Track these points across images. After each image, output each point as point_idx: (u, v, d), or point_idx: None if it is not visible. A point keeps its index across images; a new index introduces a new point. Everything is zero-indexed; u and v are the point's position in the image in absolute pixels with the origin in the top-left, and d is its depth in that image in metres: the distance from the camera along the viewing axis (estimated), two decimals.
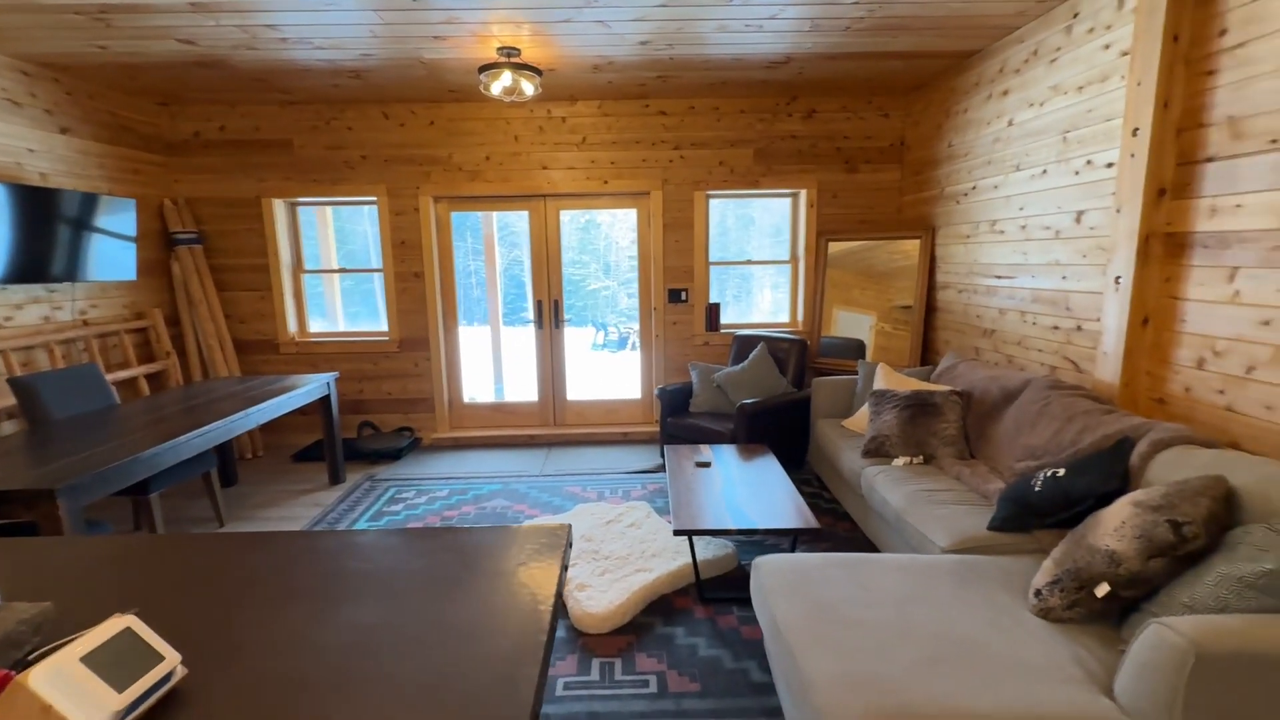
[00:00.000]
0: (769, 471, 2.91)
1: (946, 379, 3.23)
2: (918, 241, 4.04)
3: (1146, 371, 2.39)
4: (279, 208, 4.43)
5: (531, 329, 4.71)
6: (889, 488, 2.52)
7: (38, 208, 3.19)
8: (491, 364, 7.10)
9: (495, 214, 6.97)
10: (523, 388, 7.88)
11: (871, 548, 2.87)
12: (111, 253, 3.65)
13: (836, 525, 3.13)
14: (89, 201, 3.46)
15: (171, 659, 0.75)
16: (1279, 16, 1.87)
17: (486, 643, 0.87)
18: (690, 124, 4.35)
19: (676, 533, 2.30)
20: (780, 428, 3.69)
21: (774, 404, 3.61)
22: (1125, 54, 2.43)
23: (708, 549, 2.73)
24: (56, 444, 2.39)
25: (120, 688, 0.68)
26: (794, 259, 4.68)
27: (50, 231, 3.27)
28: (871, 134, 4.38)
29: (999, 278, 3.30)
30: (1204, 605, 1.33)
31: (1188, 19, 2.16)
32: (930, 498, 2.36)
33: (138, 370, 3.82)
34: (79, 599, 1.00)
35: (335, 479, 3.84)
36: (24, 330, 3.28)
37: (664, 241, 4.50)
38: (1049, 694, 1.31)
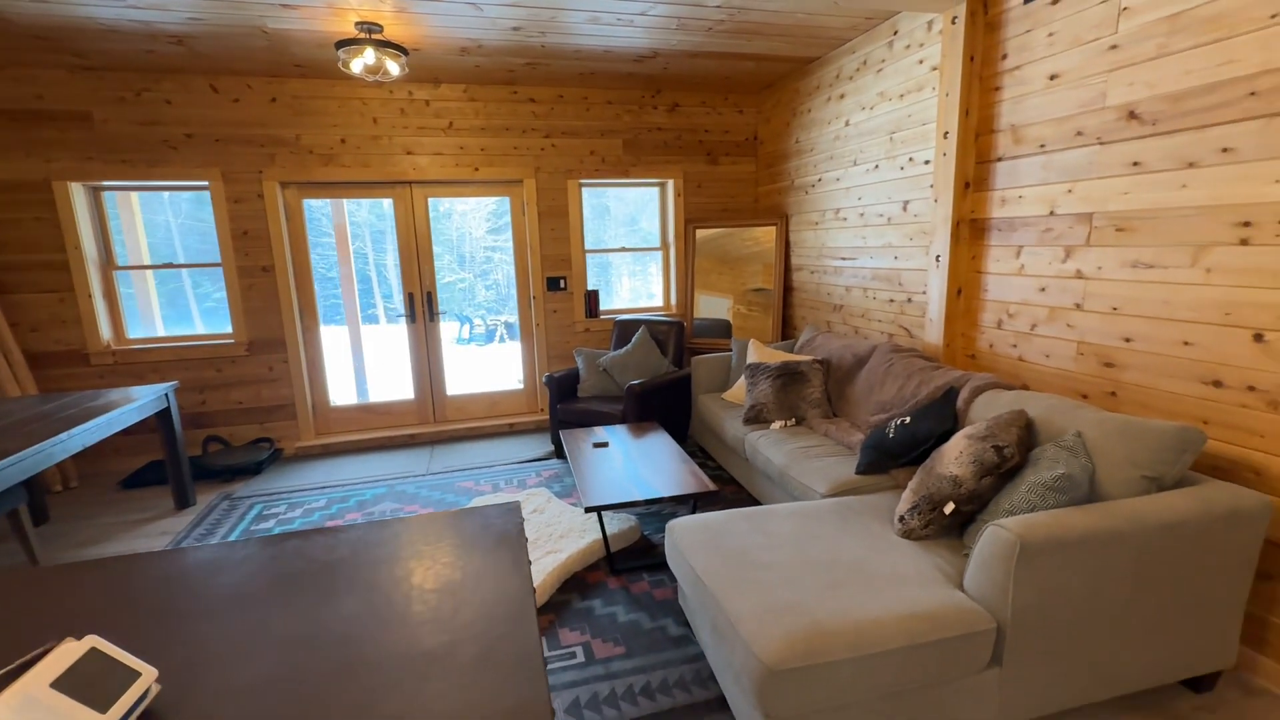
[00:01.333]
0: (662, 445, 3.09)
1: (808, 350, 3.64)
2: (770, 229, 4.46)
3: (961, 333, 2.91)
4: (77, 193, 3.74)
5: (393, 325, 4.47)
6: (771, 449, 2.82)
7: None
8: (352, 365, 6.58)
9: (346, 204, 6.46)
10: (391, 386, 7.35)
11: (756, 504, 3.18)
12: None
13: (724, 489, 3.41)
14: None
15: (148, 674, 0.69)
16: (1042, 46, 2.38)
17: (480, 609, 0.91)
18: (560, 113, 4.38)
19: (588, 509, 2.39)
20: (666, 405, 3.91)
21: (659, 383, 3.81)
22: (935, 69, 2.91)
23: (612, 523, 2.86)
24: None
25: (102, 709, 0.63)
26: (664, 245, 4.92)
27: None
28: (729, 128, 4.73)
29: (844, 259, 3.78)
30: (1020, 508, 1.71)
31: (980, 43, 2.65)
32: (806, 453, 2.68)
33: None
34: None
35: (183, 502, 3.39)
36: None
37: (540, 230, 4.50)
38: (919, 595, 1.61)
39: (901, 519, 1.96)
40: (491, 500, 3.21)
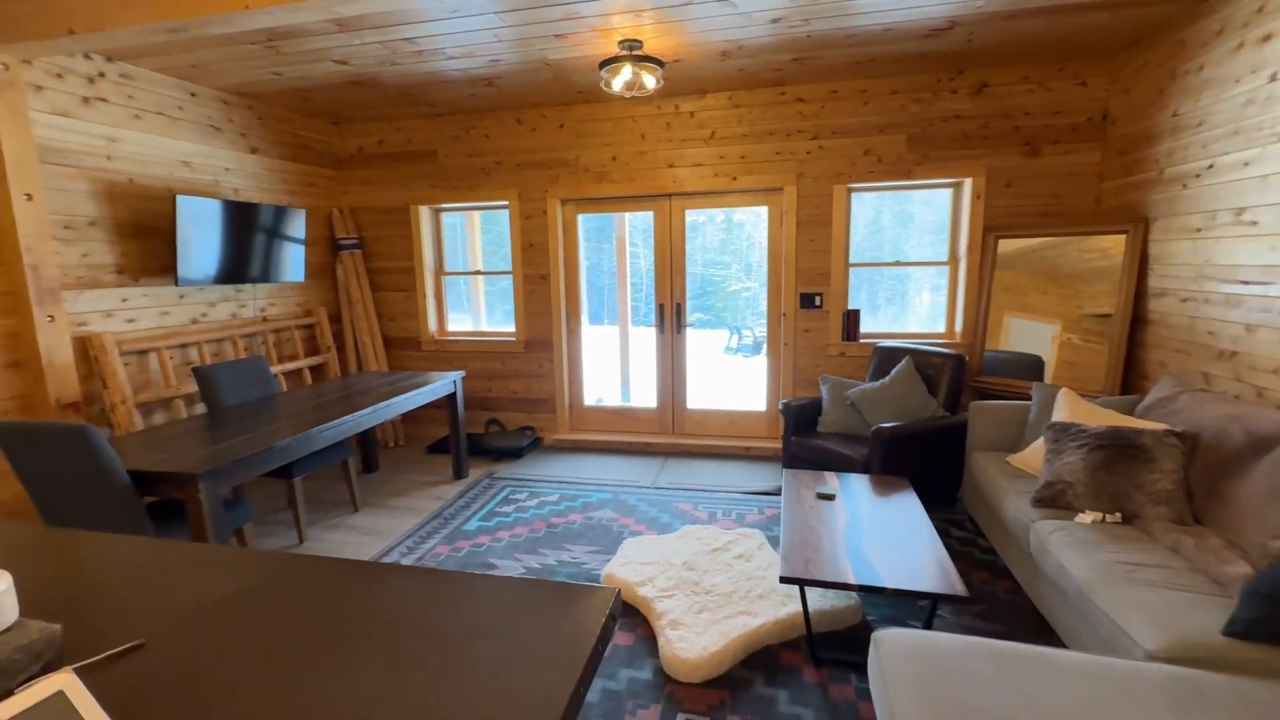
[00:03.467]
0: (907, 512, 2.45)
1: (1160, 413, 2.51)
2: (1122, 237, 3.24)
3: None
4: (424, 214, 4.73)
5: (656, 332, 4.56)
6: (1069, 552, 1.97)
7: (240, 219, 3.66)
8: (619, 367, 7.12)
9: (628, 215, 6.98)
10: (648, 392, 7.78)
11: (1040, 622, 2.30)
12: (289, 257, 4.10)
13: (994, 583, 2.57)
14: (277, 213, 3.91)
15: None
16: None
17: None
18: (832, 111, 3.91)
19: (783, 580, 1.98)
20: (925, 458, 3.15)
21: (918, 429, 3.09)
22: None
23: (825, 598, 2.36)
24: (219, 429, 2.67)
25: None
26: (954, 259, 4.03)
27: (248, 239, 3.74)
28: (1061, 108, 3.61)
29: (1245, 283, 2.50)
30: None
31: None
32: (1131, 574, 1.79)
33: (303, 362, 4.27)
34: (101, 618, 0.98)
35: (458, 474, 3.98)
36: (216, 325, 3.79)
37: (797, 241, 4.10)
38: None
39: None
40: (701, 532, 2.98)
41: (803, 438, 3.46)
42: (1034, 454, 2.70)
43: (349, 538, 3.16)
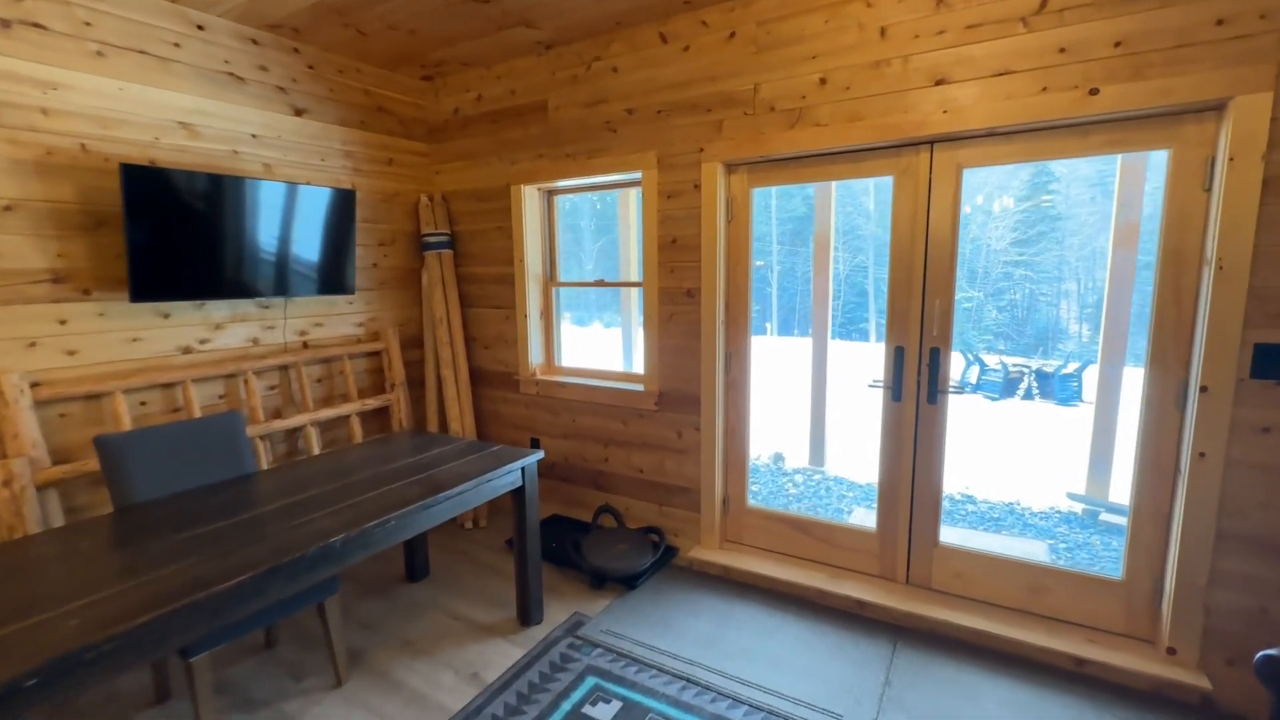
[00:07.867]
0: None
1: None
2: None
3: None
4: (529, 197, 3.26)
5: (885, 396, 2.53)
6: None
7: (262, 205, 2.60)
8: (809, 425, 5.03)
9: (834, 195, 4.92)
10: (860, 479, 4.69)
11: None
12: (345, 261, 2.92)
13: None
14: (328, 196, 2.77)
15: None
16: None
17: None
18: None
19: None
20: None
21: None
22: None
23: None
24: (64, 563, 1.39)
25: None
26: None
27: (274, 234, 2.64)
28: None
29: None
30: None
31: None
32: None
33: (353, 407, 3.06)
34: None
35: (524, 618, 2.41)
36: (222, 355, 2.69)
37: (1260, 221, 1.79)
38: None
39: None
40: None
41: None
42: None
43: None
